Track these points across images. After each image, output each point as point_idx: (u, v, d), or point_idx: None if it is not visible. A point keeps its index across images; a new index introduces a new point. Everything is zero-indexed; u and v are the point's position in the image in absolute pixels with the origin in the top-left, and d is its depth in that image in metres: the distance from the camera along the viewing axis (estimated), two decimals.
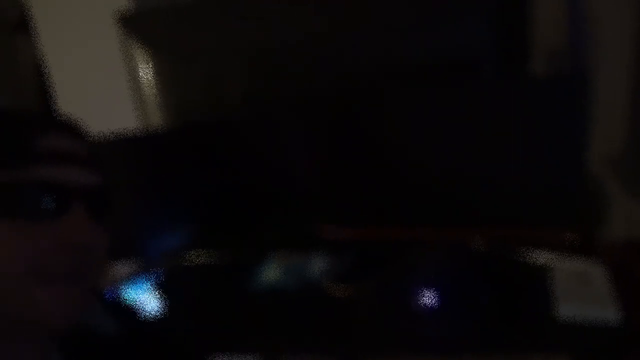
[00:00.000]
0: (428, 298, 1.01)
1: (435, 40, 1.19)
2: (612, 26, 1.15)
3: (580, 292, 0.95)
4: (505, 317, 0.93)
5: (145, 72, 1.41)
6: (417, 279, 1.06)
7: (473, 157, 1.09)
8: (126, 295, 1.16)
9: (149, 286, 1.20)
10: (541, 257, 1.08)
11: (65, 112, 1.54)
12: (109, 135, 1.20)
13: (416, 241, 1.14)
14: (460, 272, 1.07)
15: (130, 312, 0.76)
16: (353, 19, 1.23)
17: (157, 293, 1.17)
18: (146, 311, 1.11)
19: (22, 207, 0.46)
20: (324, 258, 1.21)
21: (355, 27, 1.24)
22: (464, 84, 1.10)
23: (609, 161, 1.20)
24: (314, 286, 1.13)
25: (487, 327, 0.92)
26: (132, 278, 1.25)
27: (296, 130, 1.20)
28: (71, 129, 0.53)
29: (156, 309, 1.13)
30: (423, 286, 1.03)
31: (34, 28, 1.51)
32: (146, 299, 1.15)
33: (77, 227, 0.48)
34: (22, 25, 1.70)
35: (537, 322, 0.92)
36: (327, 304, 1.08)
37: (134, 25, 1.39)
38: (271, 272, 1.19)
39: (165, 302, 1.15)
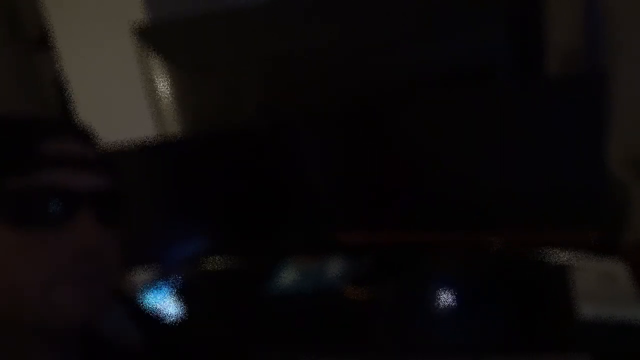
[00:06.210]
0: (447, 301, 1.00)
1: (452, 46, 1.19)
2: (629, 25, 1.13)
3: (604, 291, 0.93)
4: (527, 318, 0.92)
5: (162, 83, 1.44)
6: (435, 283, 1.06)
7: (492, 160, 1.08)
8: (146, 300, 1.17)
9: (168, 292, 1.21)
10: (563, 257, 1.06)
11: (80, 121, 1.57)
12: (128, 143, 1.22)
13: (435, 244, 1.13)
14: (480, 274, 1.06)
15: (150, 318, 0.76)
16: (369, 28, 1.24)
17: (176, 299, 1.18)
18: (165, 316, 1.11)
19: (32, 213, 0.46)
20: (342, 262, 1.21)
21: (370, 35, 1.24)
22: (481, 88, 1.09)
23: (631, 161, 1.18)
24: (332, 290, 1.13)
25: (508, 328, 0.91)
26: (151, 284, 1.26)
27: (313, 138, 1.20)
28: (78, 134, 0.53)
29: (175, 314, 1.13)
30: (442, 289, 1.03)
31: (53, 44, 1.54)
32: (165, 305, 1.16)
33: (86, 231, 0.48)
34: (43, 41, 1.75)
35: (559, 322, 0.90)
36: (345, 308, 1.07)
37: (151, 37, 1.41)
38: (289, 277, 1.19)
39: (184, 307, 1.15)
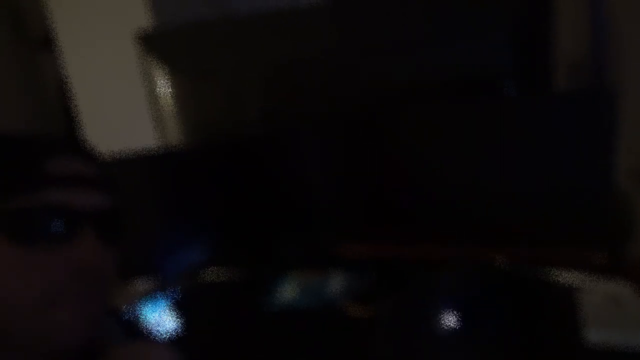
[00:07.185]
0: (450, 319, 0.98)
1: (457, 57, 1.18)
2: (636, 38, 1.12)
3: (610, 314, 0.91)
4: (530, 340, 0.90)
5: (165, 89, 1.43)
6: (438, 299, 1.04)
7: (496, 175, 1.06)
8: (143, 314, 1.16)
9: (166, 305, 1.19)
10: (568, 277, 1.04)
11: (84, 131, 1.57)
12: (124, 154, 1.21)
13: (438, 260, 1.12)
14: (483, 293, 1.04)
15: (146, 331, 0.75)
16: (372, 36, 1.23)
17: (174, 312, 1.16)
18: (163, 330, 1.10)
19: (33, 232, 0.46)
20: (343, 277, 1.19)
21: (374, 43, 1.23)
22: (487, 100, 1.08)
23: (638, 177, 1.16)
24: (332, 306, 1.11)
25: (511, 351, 0.89)
26: (149, 297, 1.24)
27: (314, 148, 1.19)
28: (81, 153, 0.53)
29: (173, 327, 1.12)
30: (444, 306, 1.01)
31: (57, 45, 1.54)
32: (163, 318, 1.15)
33: (87, 250, 0.48)
34: (47, 44, 1.75)
35: (564, 346, 0.88)
36: (346, 324, 1.05)
37: (154, 43, 1.41)
38: (289, 291, 1.18)
39: (182, 320, 1.14)
